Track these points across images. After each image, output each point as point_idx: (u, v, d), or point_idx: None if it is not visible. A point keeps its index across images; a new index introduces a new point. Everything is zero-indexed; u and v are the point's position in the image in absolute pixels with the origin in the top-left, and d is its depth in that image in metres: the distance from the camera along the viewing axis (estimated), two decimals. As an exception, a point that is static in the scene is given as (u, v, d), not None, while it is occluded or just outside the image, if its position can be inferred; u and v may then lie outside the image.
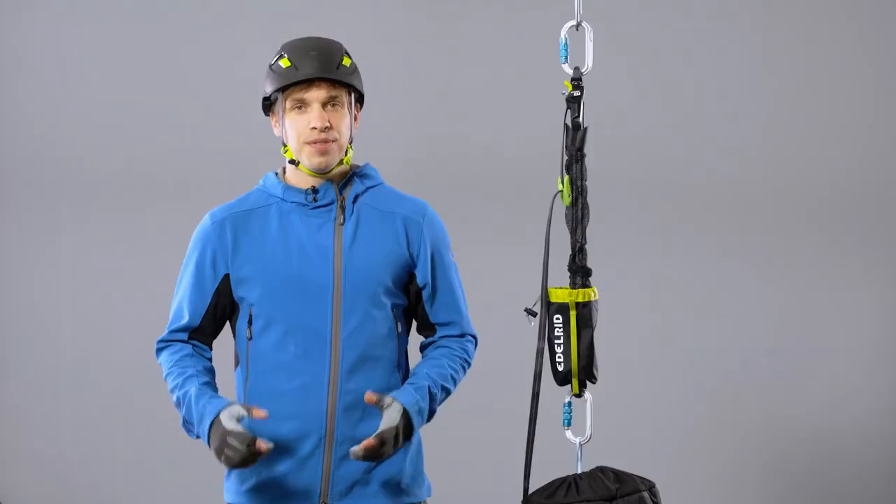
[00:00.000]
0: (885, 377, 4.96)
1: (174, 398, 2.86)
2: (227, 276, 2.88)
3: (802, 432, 4.96)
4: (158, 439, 4.85)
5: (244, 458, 2.71)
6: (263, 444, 2.71)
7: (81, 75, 4.98)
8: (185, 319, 2.90)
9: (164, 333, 2.94)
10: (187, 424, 2.85)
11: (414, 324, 3.02)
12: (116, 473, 4.93)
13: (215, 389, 2.86)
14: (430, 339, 2.99)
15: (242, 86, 4.83)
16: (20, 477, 4.96)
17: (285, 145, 2.90)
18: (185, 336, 2.92)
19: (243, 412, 2.74)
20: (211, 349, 2.97)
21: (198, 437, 2.82)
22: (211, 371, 2.91)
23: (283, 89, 2.86)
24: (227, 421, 2.73)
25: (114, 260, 4.96)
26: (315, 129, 2.83)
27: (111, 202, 4.96)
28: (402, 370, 2.92)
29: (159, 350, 2.93)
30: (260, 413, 2.74)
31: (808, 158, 4.98)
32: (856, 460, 4.94)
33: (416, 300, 2.95)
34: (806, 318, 4.98)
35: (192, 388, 2.82)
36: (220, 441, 2.72)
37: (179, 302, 2.92)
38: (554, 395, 2.98)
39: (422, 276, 2.93)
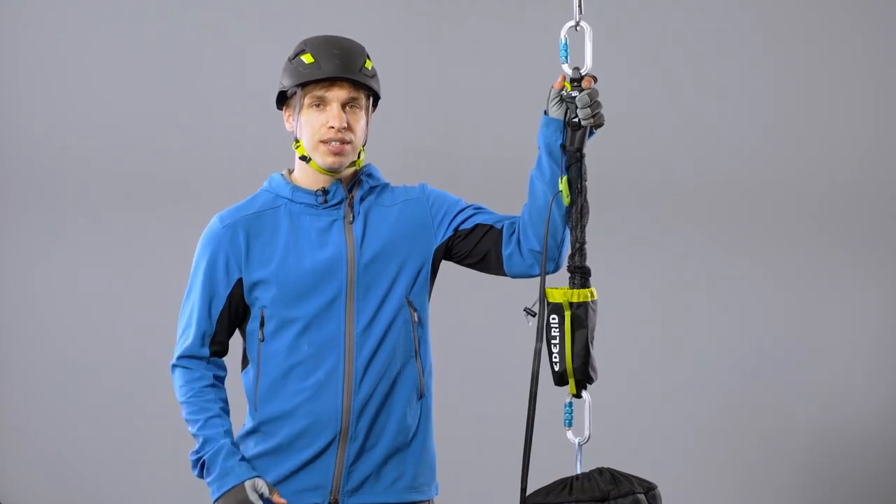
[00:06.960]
0: (886, 377, 4.96)
1: (191, 431, 2.85)
2: (240, 280, 2.86)
3: (804, 431, 4.96)
4: (159, 439, 4.85)
5: None
6: None
7: (84, 75, 4.98)
8: (200, 327, 2.86)
9: (181, 347, 2.89)
10: (200, 466, 2.85)
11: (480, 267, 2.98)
12: (116, 473, 4.94)
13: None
14: (510, 226, 2.92)
15: (246, 87, 4.85)
16: (20, 477, 4.96)
17: (297, 140, 2.89)
18: (203, 349, 2.88)
19: (265, 490, 2.77)
20: (227, 352, 2.93)
21: (205, 479, 2.84)
22: (227, 405, 2.89)
23: (303, 85, 2.84)
24: (251, 492, 2.77)
25: (115, 260, 4.96)
26: (333, 128, 2.82)
27: (112, 203, 4.96)
28: (420, 361, 2.91)
29: (175, 367, 2.89)
30: (280, 501, 2.78)
31: (809, 158, 4.98)
32: (857, 460, 4.94)
33: (478, 241, 2.93)
34: (807, 318, 4.98)
35: (224, 442, 2.82)
36: (234, 502, 2.77)
37: (192, 308, 2.88)
38: (556, 396, 2.98)
39: (453, 225, 2.93)
